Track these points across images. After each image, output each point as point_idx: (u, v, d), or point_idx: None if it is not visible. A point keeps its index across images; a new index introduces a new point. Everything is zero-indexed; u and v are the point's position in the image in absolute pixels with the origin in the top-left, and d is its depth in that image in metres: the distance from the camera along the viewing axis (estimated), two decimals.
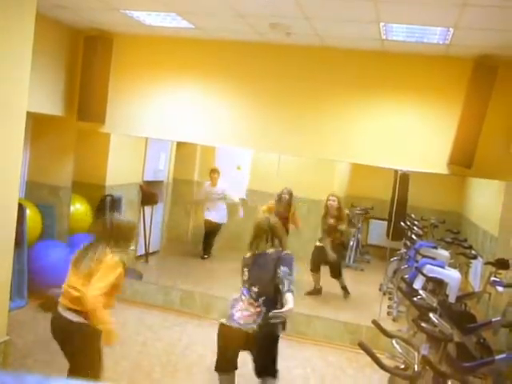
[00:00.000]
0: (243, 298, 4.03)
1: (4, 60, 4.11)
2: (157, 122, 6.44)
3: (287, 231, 7.44)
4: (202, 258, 8.47)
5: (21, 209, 5.41)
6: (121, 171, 7.64)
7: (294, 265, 4.09)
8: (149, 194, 8.23)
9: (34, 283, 6.10)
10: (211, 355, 5.31)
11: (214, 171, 8.40)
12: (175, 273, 7.65)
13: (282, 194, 7.60)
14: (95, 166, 7.31)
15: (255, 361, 4.08)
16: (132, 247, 7.95)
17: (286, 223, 7.53)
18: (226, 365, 4.14)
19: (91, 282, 3.48)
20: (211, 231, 8.50)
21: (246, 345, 4.00)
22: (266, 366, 4.07)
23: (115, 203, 7.46)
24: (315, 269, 7.35)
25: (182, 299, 6.52)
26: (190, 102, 6.32)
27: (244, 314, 3.96)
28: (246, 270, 4.14)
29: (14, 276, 5.05)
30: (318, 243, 7.47)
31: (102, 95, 6.42)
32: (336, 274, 7.33)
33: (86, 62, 6.34)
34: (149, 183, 8.30)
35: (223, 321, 4.05)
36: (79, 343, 3.53)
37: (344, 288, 7.34)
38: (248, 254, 4.21)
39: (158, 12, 5.27)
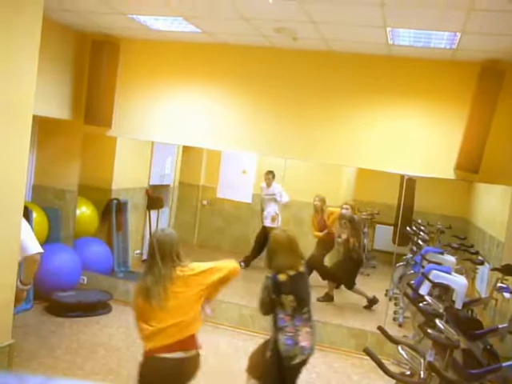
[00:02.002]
0: (299, 327, 3.82)
1: (11, 63, 4.12)
2: (163, 126, 6.45)
3: (332, 239, 7.59)
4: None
5: (27, 212, 5.42)
6: (127, 175, 7.66)
7: None
8: (155, 198, 8.24)
9: (39, 286, 6.11)
10: (212, 358, 5.31)
11: (268, 173, 8.24)
12: None
13: (314, 202, 7.68)
14: (101, 169, 7.34)
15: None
16: (137, 251, 7.98)
17: (324, 230, 7.62)
18: None
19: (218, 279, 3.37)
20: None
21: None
22: None
23: (121, 207, 7.48)
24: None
25: None
26: (196, 106, 6.33)
27: (308, 339, 3.83)
28: (290, 297, 3.80)
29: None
30: None
31: (109, 99, 6.44)
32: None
33: (93, 66, 6.37)
34: (155, 187, 8.32)
35: (297, 360, 3.77)
36: None
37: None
38: (282, 277, 3.80)
39: (165, 17, 5.29)
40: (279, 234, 4.03)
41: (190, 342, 3.31)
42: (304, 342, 3.80)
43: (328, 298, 7.23)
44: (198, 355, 3.35)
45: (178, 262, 3.36)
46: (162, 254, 3.35)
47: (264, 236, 7.84)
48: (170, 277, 3.29)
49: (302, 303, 3.87)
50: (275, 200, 8.13)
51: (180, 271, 3.32)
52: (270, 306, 3.89)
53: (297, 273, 3.88)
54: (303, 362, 3.84)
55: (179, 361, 3.25)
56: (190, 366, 3.32)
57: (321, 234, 7.66)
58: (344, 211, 7.40)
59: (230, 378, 4.86)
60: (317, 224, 7.72)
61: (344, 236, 7.34)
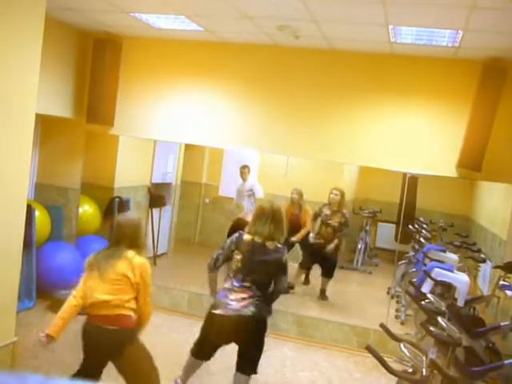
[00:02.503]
0: (236, 289, 3.99)
1: (13, 62, 4.13)
2: (165, 124, 6.46)
3: (297, 231, 7.46)
4: None
5: (30, 210, 5.44)
6: (129, 173, 7.66)
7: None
8: (157, 197, 8.25)
9: (42, 284, 6.13)
10: (217, 358, 5.32)
11: (244, 167, 8.27)
12: (183, 275, 7.64)
13: (291, 194, 7.56)
14: (104, 167, 7.35)
15: (242, 354, 4.09)
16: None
17: (297, 224, 7.53)
18: (207, 354, 4.20)
19: (140, 293, 3.57)
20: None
21: (236, 335, 4.02)
22: (252, 361, 4.07)
23: (123, 205, 7.49)
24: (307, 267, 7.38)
25: (189, 301, 6.52)
26: (198, 104, 6.33)
27: (240, 303, 3.93)
28: (239, 256, 4.01)
29: (22, 277, 5.07)
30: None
31: (111, 97, 6.45)
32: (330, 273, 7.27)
33: (96, 65, 6.38)
34: (157, 185, 8.32)
35: (217, 311, 3.97)
36: (135, 348, 3.63)
37: (323, 291, 7.23)
38: (246, 237, 4.07)
39: (167, 15, 5.29)
40: (266, 204, 4.24)
41: (125, 320, 3.55)
42: (233, 302, 3.92)
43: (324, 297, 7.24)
44: (131, 332, 3.60)
45: (134, 246, 3.62)
46: (120, 237, 3.63)
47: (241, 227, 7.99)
48: (119, 255, 3.56)
49: (247, 270, 3.98)
50: (252, 196, 8.12)
51: (130, 255, 3.56)
52: (220, 261, 4.15)
53: (262, 243, 4.02)
54: (224, 319, 3.92)
55: (112, 332, 3.51)
56: (120, 339, 3.55)
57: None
58: (333, 196, 7.20)
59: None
60: (290, 217, 7.65)
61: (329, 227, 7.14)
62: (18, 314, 4.70)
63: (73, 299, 3.60)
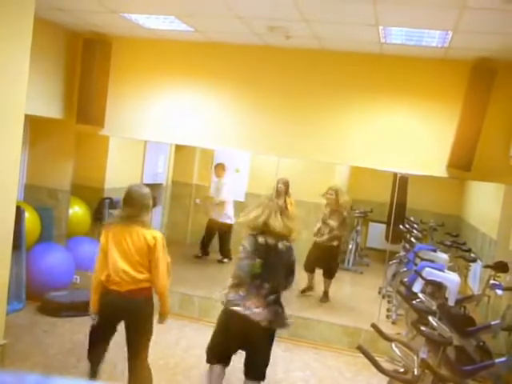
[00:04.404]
0: (252, 295, 3.87)
1: (2, 63, 4.10)
2: (156, 124, 6.43)
3: None
4: (196, 257, 8.49)
5: (19, 211, 5.40)
6: (120, 174, 7.63)
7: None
8: None
9: (31, 286, 6.08)
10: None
11: (219, 164, 8.48)
12: (174, 276, 7.58)
13: (277, 184, 7.40)
14: (94, 168, 7.31)
15: (251, 360, 3.99)
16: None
17: None
18: (222, 355, 4.04)
19: (157, 266, 3.85)
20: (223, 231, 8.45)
21: (247, 341, 3.92)
22: (260, 367, 4.00)
23: (114, 206, 7.45)
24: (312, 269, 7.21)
25: (180, 303, 6.50)
26: (189, 104, 6.31)
27: (258, 310, 3.84)
28: (258, 260, 3.86)
29: (11, 279, 5.04)
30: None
31: (101, 98, 6.41)
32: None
33: (85, 65, 6.34)
34: (148, 186, 8.28)
35: (237, 309, 3.85)
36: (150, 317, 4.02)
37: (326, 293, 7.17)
38: (260, 239, 3.89)
39: (157, 15, 5.27)
40: (265, 200, 4.16)
41: (139, 291, 3.87)
42: (253, 307, 3.83)
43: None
44: (144, 300, 3.93)
45: (143, 215, 3.91)
46: (132, 204, 3.93)
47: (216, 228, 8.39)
48: (136, 225, 3.85)
49: (267, 274, 3.87)
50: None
51: (141, 225, 3.87)
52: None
53: (274, 245, 3.89)
54: (242, 318, 3.82)
55: (125, 297, 3.82)
56: (135, 305, 3.89)
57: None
58: (328, 196, 7.11)
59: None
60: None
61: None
62: (6, 316, 4.65)
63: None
